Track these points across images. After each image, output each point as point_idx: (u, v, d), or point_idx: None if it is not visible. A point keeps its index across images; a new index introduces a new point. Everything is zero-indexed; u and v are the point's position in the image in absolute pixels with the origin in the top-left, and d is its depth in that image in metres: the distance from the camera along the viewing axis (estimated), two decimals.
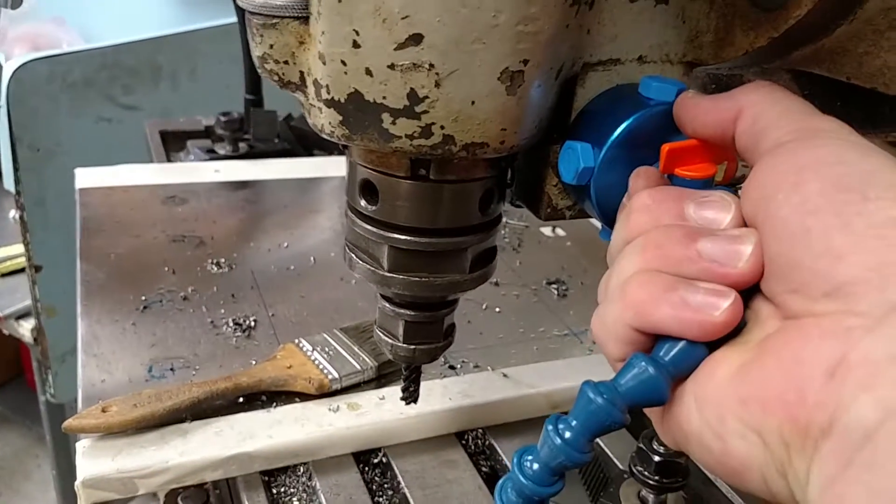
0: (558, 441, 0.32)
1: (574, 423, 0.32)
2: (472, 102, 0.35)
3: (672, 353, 0.30)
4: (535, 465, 0.33)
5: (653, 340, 0.31)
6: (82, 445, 0.55)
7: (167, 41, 1.56)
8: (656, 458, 0.50)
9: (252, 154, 1.13)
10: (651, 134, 0.37)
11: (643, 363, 0.30)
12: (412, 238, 0.42)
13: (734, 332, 0.30)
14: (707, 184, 0.35)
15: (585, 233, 0.98)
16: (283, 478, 0.58)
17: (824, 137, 0.29)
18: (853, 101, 0.43)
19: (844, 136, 0.30)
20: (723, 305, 0.29)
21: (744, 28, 0.38)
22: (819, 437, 0.24)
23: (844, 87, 0.40)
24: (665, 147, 0.36)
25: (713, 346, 0.30)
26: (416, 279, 0.43)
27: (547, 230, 0.99)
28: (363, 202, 0.42)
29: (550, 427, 0.32)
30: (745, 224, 0.31)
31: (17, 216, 1.43)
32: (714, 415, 0.28)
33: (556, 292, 0.83)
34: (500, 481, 0.36)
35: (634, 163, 0.38)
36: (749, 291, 0.30)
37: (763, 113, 0.32)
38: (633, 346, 0.31)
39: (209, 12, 1.65)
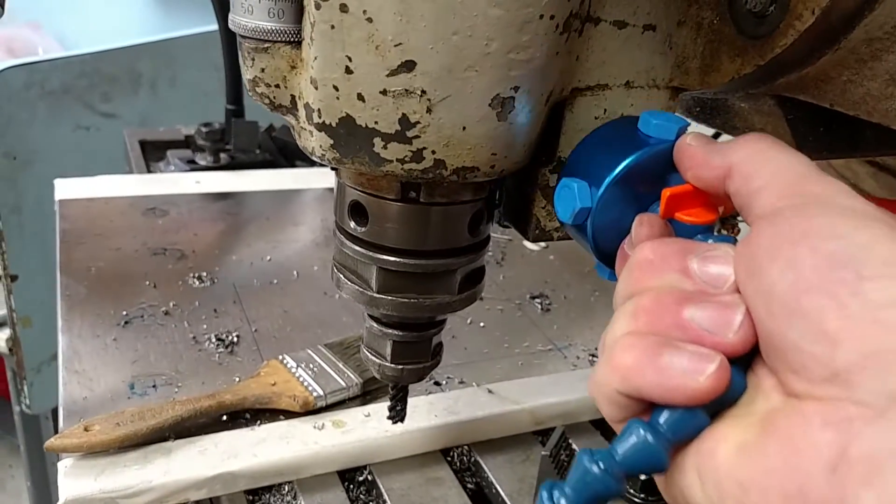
0: None
1: (569, 491, 0.30)
2: (464, 128, 0.35)
3: (671, 420, 0.29)
4: None
5: (646, 404, 0.30)
6: (64, 465, 0.54)
7: (147, 49, 1.55)
8: (642, 477, 0.51)
9: (233, 165, 1.12)
10: (650, 172, 0.36)
11: (641, 430, 0.29)
12: (401, 259, 0.42)
13: (734, 397, 0.29)
14: (708, 229, 0.34)
15: (568, 247, 0.98)
16: (267, 496, 0.57)
17: (819, 206, 0.28)
18: (836, 127, 0.44)
19: (840, 201, 0.29)
20: (708, 370, 0.27)
21: (730, 55, 0.39)
22: None
23: (828, 112, 0.41)
24: (665, 192, 0.35)
25: (713, 412, 0.29)
26: (405, 300, 0.43)
27: (530, 244, 0.99)
28: (352, 223, 0.42)
29: (545, 493, 0.31)
30: None
31: None
32: (715, 492, 0.27)
33: (539, 306, 0.84)
34: None
35: (632, 201, 0.37)
36: (750, 356, 0.29)
37: (755, 173, 0.31)
38: (626, 410, 0.30)
39: (189, 19, 1.65)
